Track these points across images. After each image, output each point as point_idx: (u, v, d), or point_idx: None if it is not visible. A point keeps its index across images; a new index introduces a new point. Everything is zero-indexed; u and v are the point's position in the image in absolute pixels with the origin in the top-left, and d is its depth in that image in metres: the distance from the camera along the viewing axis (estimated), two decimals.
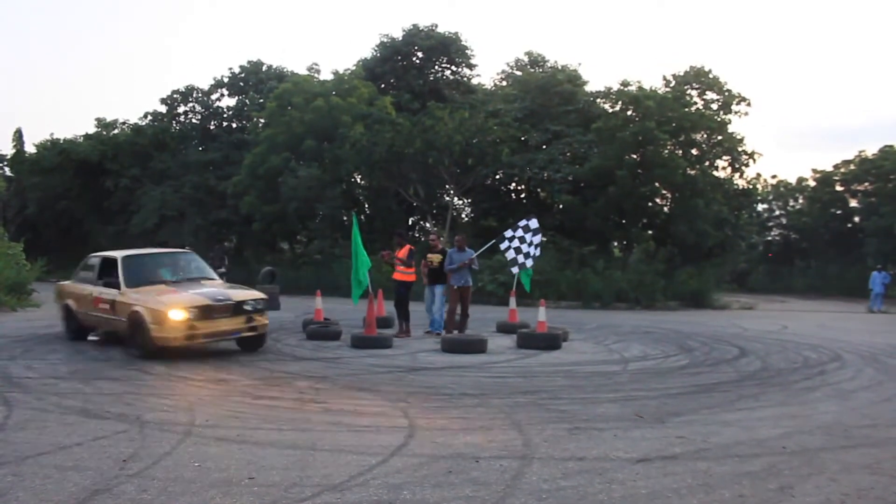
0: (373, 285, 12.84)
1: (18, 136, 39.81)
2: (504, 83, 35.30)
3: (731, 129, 28.38)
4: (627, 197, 26.42)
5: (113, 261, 11.36)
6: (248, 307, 10.64)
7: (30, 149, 39.59)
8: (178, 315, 9.89)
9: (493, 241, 15.06)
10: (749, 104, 29.29)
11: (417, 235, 32.17)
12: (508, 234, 14.59)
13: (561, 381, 8.91)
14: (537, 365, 10.31)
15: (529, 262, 14.52)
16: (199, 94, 37.23)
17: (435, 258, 13.53)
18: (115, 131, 38.45)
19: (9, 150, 41.02)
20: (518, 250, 14.36)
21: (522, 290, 16.14)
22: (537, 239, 14.52)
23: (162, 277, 11.24)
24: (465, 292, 13.14)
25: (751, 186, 30.91)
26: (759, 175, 34.79)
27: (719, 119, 28.28)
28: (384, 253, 13.64)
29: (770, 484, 4.85)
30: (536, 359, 10.87)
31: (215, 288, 11.13)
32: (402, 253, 13.17)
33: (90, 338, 11.91)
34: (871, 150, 37.06)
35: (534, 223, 14.54)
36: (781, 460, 5.41)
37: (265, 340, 11.34)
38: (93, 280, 11.60)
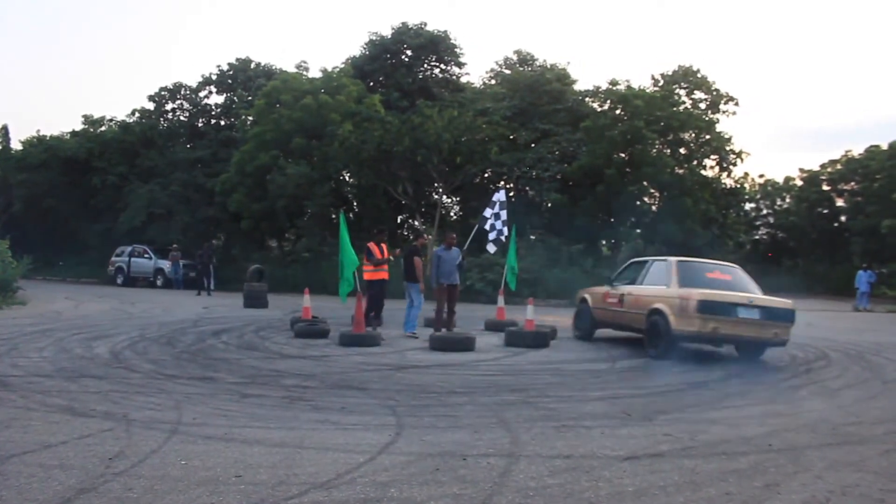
0: (361, 283, 12.82)
1: (4, 133, 39.65)
2: (493, 82, 35.37)
3: (718, 128, 28.60)
4: (616, 195, 26.52)
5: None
6: None
7: (16, 146, 39.50)
8: None
9: (476, 226, 15.31)
10: (737, 104, 29.54)
11: (407, 234, 32.20)
12: (487, 213, 15.15)
13: (549, 379, 8.92)
14: (525, 363, 10.33)
15: (504, 232, 15.00)
16: (188, 92, 37.12)
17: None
18: (103, 128, 38.30)
19: None
20: (494, 227, 15.02)
21: (510, 289, 16.20)
22: (504, 214, 15.06)
23: None
24: (453, 290, 13.17)
25: (738, 185, 31.12)
26: (746, 174, 35.08)
27: (707, 118, 28.45)
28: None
29: (756, 481, 4.87)
30: (524, 357, 10.89)
31: None
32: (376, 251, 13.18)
33: None
34: (857, 150, 37.38)
35: (502, 195, 15.17)
36: (768, 458, 5.43)
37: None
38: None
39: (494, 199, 15.35)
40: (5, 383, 7.86)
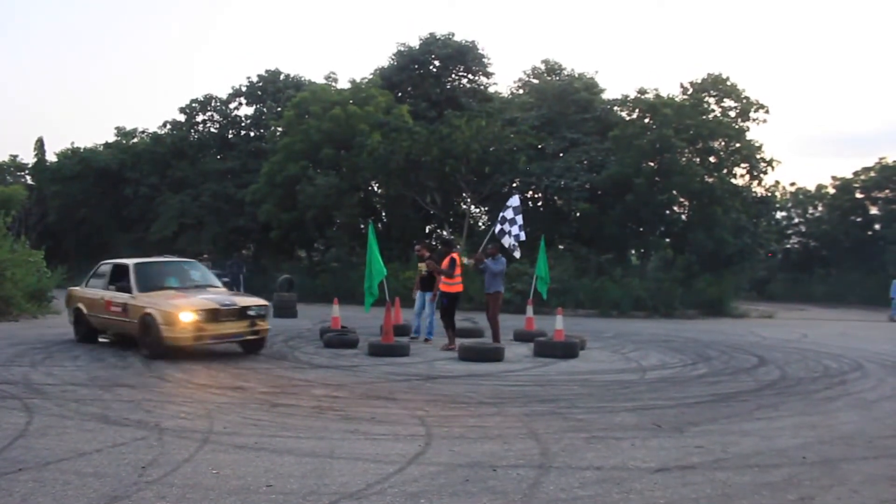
0: (389, 293, 12.84)
1: (40, 145, 40.29)
2: (521, 91, 35.31)
3: (749, 136, 28.21)
4: (645, 205, 26.34)
5: (125, 267, 12.15)
6: (251, 312, 11.35)
7: (51, 157, 40.11)
8: (188, 317, 10.67)
9: (491, 232, 15.18)
10: (767, 111, 29.09)
11: (434, 243, 32.19)
12: (500, 217, 15.00)
13: (578, 390, 8.88)
14: (554, 373, 10.28)
15: (521, 236, 14.78)
16: (218, 103, 37.51)
17: (422, 267, 13.57)
18: (135, 140, 38.90)
19: (31, 159, 41.58)
20: (509, 232, 14.82)
21: (539, 298, 16.16)
22: (520, 218, 14.85)
23: (170, 284, 12.17)
24: (489, 299, 13.08)
25: (769, 194, 30.69)
26: (777, 182, 34.70)
27: (737, 126, 28.11)
28: (428, 262, 13.54)
29: (790, 495, 4.80)
30: (554, 367, 10.84)
31: (221, 294, 12.02)
32: (444, 264, 13.04)
33: (101, 339, 12.63)
34: (891, 157, 36.83)
35: (515, 201, 15.01)
36: (802, 471, 5.36)
37: (265, 344, 12.02)
38: (104, 285, 12.45)
39: (508, 203, 15.14)
40: (41, 391, 7.99)
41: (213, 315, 10.88)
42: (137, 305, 11.20)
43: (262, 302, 11.84)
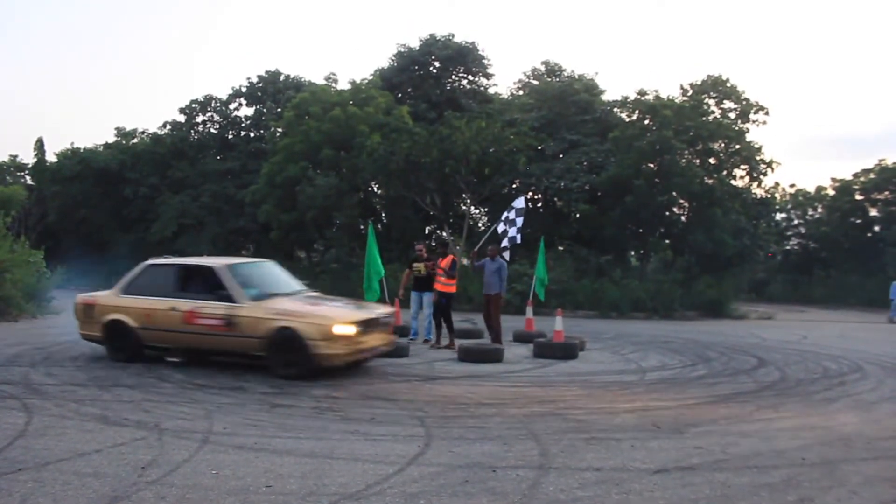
0: (389, 294, 12.83)
1: (40, 146, 40.25)
2: (521, 92, 35.34)
3: (748, 137, 28.25)
4: (645, 206, 26.34)
5: (208, 270, 10.14)
6: (386, 321, 10.33)
7: (51, 158, 40.08)
8: (347, 330, 9.22)
9: (492, 227, 15.18)
10: (767, 113, 29.18)
11: (433, 244, 32.19)
12: (502, 217, 15.00)
13: (578, 391, 8.87)
14: (554, 374, 10.28)
15: (517, 239, 14.76)
16: (218, 104, 37.54)
17: (421, 267, 13.54)
18: (135, 140, 38.92)
19: (31, 160, 41.56)
20: (506, 233, 14.83)
21: (539, 300, 16.17)
22: (520, 221, 14.82)
23: (275, 290, 10.26)
24: (488, 300, 13.06)
25: (769, 195, 30.72)
26: (777, 184, 34.68)
27: (737, 128, 28.14)
28: (428, 263, 13.52)
29: (790, 496, 4.80)
30: (553, 368, 10.83)
31: (345, 301, 10.79)
32: (445, 263, 13.04)
33: (169, 359, 10.19)
34: (891, 159, 36.80)
35: (521, 202, 15.00)
36: (801, 472, 5.36)
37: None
38: (169, 292, 10.09)
39: (513, 204, 15.14)
40: (41, 392, 7.99)
41: (367, 326, 9.48)
42: (258, 318, 9.29)
43: (389, 309, 10.88)
